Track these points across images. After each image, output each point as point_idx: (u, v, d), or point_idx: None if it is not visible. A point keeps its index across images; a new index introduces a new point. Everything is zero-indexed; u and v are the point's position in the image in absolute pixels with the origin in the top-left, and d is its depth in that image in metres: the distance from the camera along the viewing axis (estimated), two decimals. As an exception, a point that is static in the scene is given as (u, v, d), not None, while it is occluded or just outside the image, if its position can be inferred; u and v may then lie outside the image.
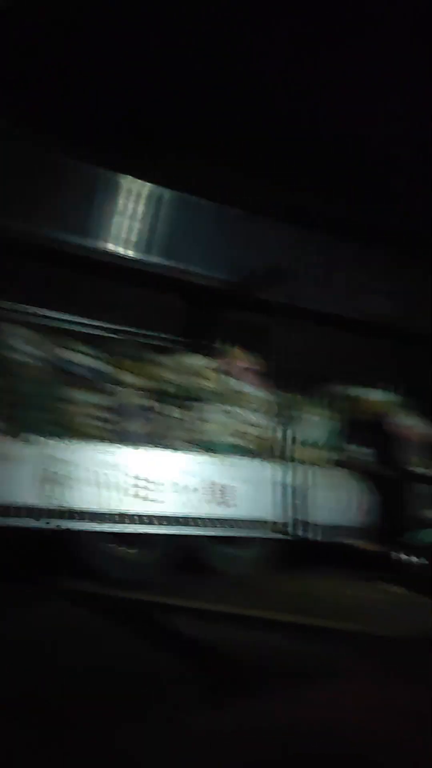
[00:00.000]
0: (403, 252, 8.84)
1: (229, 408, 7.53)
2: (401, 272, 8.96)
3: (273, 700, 2.94)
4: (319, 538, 7.08)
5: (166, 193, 8.17)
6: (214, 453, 6.94)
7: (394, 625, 4.62)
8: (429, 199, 7.51)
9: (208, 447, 7.18)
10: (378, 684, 3.05)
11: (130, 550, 6.58)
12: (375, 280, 8.87)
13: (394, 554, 6.98)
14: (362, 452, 8.29)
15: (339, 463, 7.81)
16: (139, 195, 8.08)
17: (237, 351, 8.20)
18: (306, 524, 7.02)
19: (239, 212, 8.59)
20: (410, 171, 7.03)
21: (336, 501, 7.22)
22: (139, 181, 8.02)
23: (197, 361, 7.78)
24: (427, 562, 6.14)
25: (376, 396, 8.68)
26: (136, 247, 8.25)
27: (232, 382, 7.84)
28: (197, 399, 7.44)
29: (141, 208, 8.09)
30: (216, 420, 7.41)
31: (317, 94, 6.59)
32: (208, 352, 8.30)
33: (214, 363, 7.92)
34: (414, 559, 6.40)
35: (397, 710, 2.81)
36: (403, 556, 6.54)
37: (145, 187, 8.03)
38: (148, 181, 8.02)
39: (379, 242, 8.60)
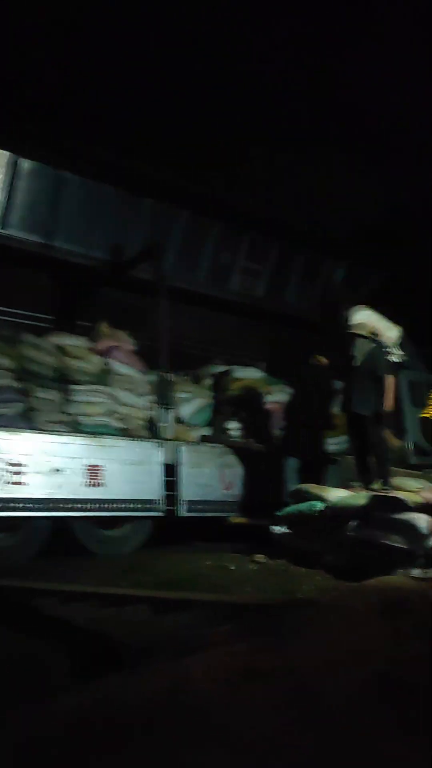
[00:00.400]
0: (269, 234, 9.10)
1: (101, 388, 7.47)
2: (269, 253, 9.21)
3: (144, 673, 2.99)
4: (191, 514, 7.23)
5: (34, 167, 7.89)
6: (86, 434, 6.87)
7: (263, 594, 4.84)
8: (289, 184, 7.74)
9: (79, 428, 7.10)
10: (247, 651, 3.18)
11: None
12: (245, 261, 9.06)
13: (264, 526, 7.26)
14: (233, 428, 8.52)
15: (210, 440, 7.98)
16: (3, 167, 7.74)
17: (110, 330, 8.13)
18: (178, 501, 7.13)
19: (111, 189, 8.46)
20: (270, 156, 7.21)
21: (208, 477, 7.38)
22: (5, 152, 7.69)
23: (69, 341, 7.64)
24: (291, 532, 6.42)
25: (246, 374, 8.93)
26: (4, 223, 7.92)
27: (105, 362, 7.78)
28: (70, 379, 7.32)
29: (4, 181, 7.76)
30: (88, 400, 7.33)
31: (182, 71, 6.58)
32: (80, 332, 8.17)
33: (86, 343, 7.82)
34: (281, 529, 6.67)
35: (265, 675, 2.95)
36: (274, 528, 6.81)
37: (3, 157, 7.70)
38: (17, 155, 7.70)
39: (248, 224, 8.78)
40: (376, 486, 6.51)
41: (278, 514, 6.70)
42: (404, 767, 2.22)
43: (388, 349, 7.76)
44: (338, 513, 6.10)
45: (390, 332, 7.80)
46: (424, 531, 5.27)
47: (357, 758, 2.30)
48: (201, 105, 6.73)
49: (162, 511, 6.99)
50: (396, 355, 7.87)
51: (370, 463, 6.90)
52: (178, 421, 8.05)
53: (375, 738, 2.43)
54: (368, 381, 6.83)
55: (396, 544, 5.42)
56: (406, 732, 2.47)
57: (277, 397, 9.11)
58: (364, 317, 7.69)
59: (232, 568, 5.68)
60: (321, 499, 6.39)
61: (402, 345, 8.08)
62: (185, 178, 7.76)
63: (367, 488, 6.54)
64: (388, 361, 7.06)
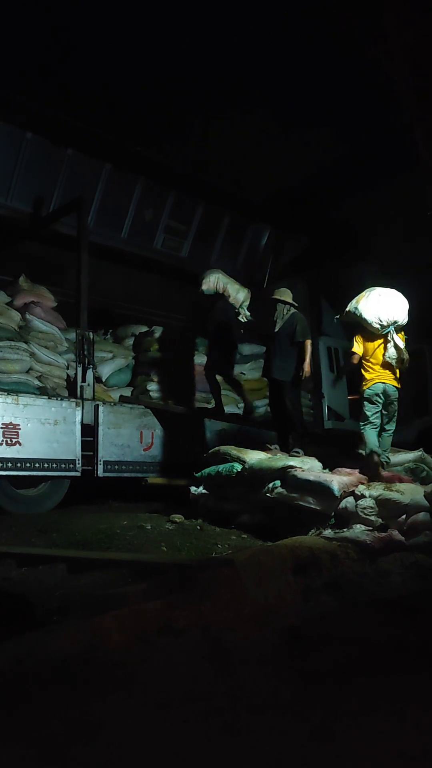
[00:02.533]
0: (194, 194, 9.00)
1: (19, 344, 7.25)
2: (194, 213, 9.12)
3: (59, 631, 2.98)
4: (109, 474, 7.20)
5: None
6: (2, 391, 6.67)
7: (179, 553, 4.91)
8: (216, 144, 7.66)
9: (-6, 385, 6.89)
10: (161, 608, 3.23)
11: None
12: (169, 220, 8.93)
13: (182, 487, 7.32)
14: (154, 389, 8.49)
15: (130, 400, 7.93)
16: None
17: (29, 285, 7.88)
18: (96, 461, 7.08)
19: (32, 137, 8.10)
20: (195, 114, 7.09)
21: (126, 438, 7.35)
22: None
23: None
24: (208, 493, 6.51)
25: (168, 334, 8.87)
26: None
27: (24, 318, 7.55)
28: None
29: None
30: (5, 357, 7.10)
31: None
32: (-3, 286, 7.87)
33: (4, 297, 7.55)
34: (199, 490, 6.74)
35: (179, 631, 3.01)
36: (192, 489, 6.87)
37: None
38: None
39: (173, 182, 8.64)
40: (291, 449, 6.67)
41: (196, 475, 6.76)
42: (308, 715, 2.32)
43: (237, 310, 7.99)
44: (256, 475, 6.22)
45: (238, 294, 7.98)
46: (337, 493, 5.44)
47: (264, 707, 2.39)
48: (129, 58, 6.49)
49: (79, 472, 6.92)
50: (243, 316, 8.08)
51: (287, 427, 7.06)
52: (98, 380, 7.94)
53: (280, 688, 2.53)
54: (287, 346, 6.94)
55: (309, 505, 5.58)
56: (308, 681, 2.59)
57: (198, 358, 9.13)
58: (213, 279, 7.84)
59: (148, 527, 5.71)
60: (239, 460, 6.48)
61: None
62: (109, 131, 7.52)
63: (284, 451, 6.68)
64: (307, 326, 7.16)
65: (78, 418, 6.97)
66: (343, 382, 8.92)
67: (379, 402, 6.15)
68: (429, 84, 4.23)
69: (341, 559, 4.41)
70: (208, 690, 2.51)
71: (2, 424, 6.40)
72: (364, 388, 6.21)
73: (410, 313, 6.16)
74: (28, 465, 6.54)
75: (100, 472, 7.08)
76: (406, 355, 6.12)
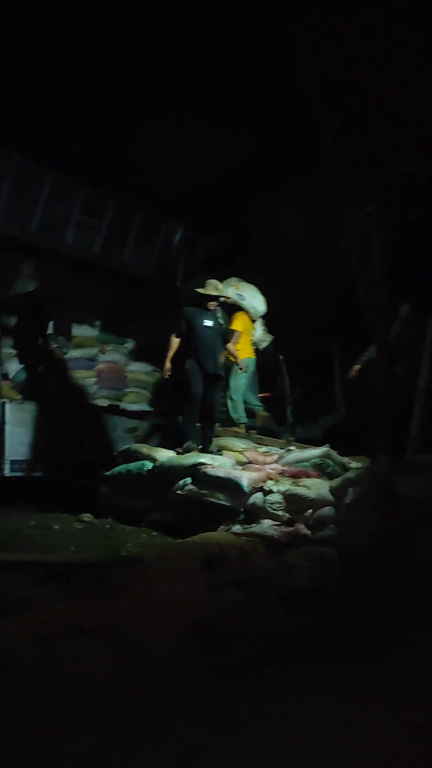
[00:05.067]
0: (107, 189, 8.88)
1: None
2: (106, 209, 9.00)
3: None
4: (16, 473, 7.01)
5: None
6: None
7: (88, 553, 4.85)
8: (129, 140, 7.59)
9: None
10: (70, 609, 3.18)
11: None
12: (80, 215, 8.78)
13: (92, 486, 7.23)
14: (64, 387, 8.34)
15: (38, 398, 7.75)
16: None
17: None
18: (3, 460, 6.88)
19: None
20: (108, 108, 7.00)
21: (35, 436, 7.18)
22: None
23: None
24: (119, 491, 6.47)
25: (80, 332, 8.74)
26: None
27: None
28: None
29: None
30: None
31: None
32: None
33: None
34: (108, 489, 6.69)
35: (88, 631, 2.98)
36: (102, 488, 6.80)
37: None
38: None
39: (85, 177, 8.50)
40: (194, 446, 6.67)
41: (107, 474, 6.70)
42: (214, 709, 2.35)
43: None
44: (167, 472, 6.23)
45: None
46: (246, 489, 5.54)
47: (172, 703, 2.40)
48: (42, 47, 6.34)
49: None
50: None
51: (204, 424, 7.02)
52: (5, 377, 7.71)
53: (188, 684, 2.56)
54: (220, 341, 6.96)
55: (220, 502, 5.65)
56: (215, 676, 2.62)
57: (111, 356, 9.04)
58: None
59: (57, 527, 5.62)
60: (150, 458, 6.48)
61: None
62: (18, 120, 7.29)
63: (194, 449, 6.68)
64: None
65: (-17, 417, 6.75)
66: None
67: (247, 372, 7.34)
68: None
69: (249, 554, 4.48)
70: (117, 689, 2.50)
71: None
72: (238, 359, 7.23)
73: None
74: None
75: (7, 472, 6.88)
76: (267, 337, 7.75)
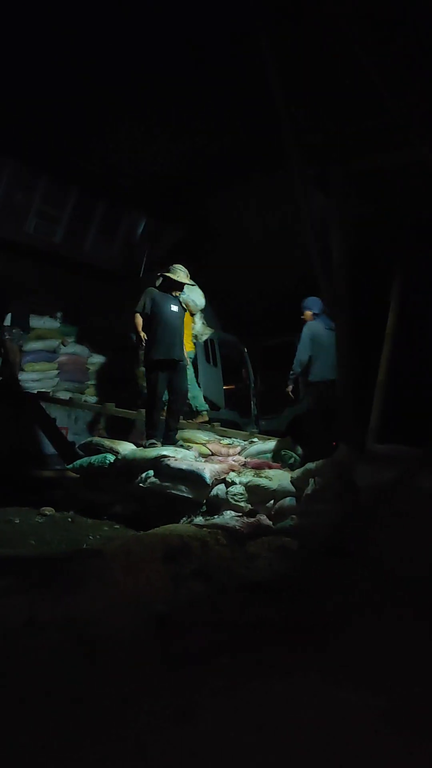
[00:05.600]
0: (68, 179, 8.77)
1: None
2: (67, 199, 8.88)
3: None
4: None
5: None
6: None
7: (48, 546, 4.81)
8: (90, 129, 7.49)
9: None
10: (26, 603, 3.15)
11: None
12: (41, 204, 8.64)
13: (54, 479, 7.17)
14: (26, 380, 8.26)
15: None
16: None
17: None
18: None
19: None
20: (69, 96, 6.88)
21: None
22: None
23: None
24: (81, 484, 6.43)
25: (41, 323, 8.66)
26: None
27: None
28: None
29: None
30: None
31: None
32: None
33: None
34: (72, 483, 6.64)
35: (44, 625, 2.95)
36: (63, 480, 6.75)
37: None
38: None
39: (45, 166, 8.37)
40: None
41: (68, 466, 6.64)
42: (172, 698, 2.35)
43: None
44: (129, 465, 6.20)
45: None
46: (208, 481, 5.55)
47: (130, 694, 2.40)
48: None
49: None
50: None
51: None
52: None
53: (146, 674, 2.55)
54: (182, 329, 6.89)
55: (182, 494, 5.65)
56: (174, 666, 2.63)
57: (72, 348, 8.97)
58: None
59: (17, 521, 5.55)
60: (113, 451, 6.44)
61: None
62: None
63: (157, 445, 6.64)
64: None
65: None
66: (218, 372, 9.06)
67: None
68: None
69: (211, 546, 4.49)
70: (73, 682, 2.48)
71: None
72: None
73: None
74: None
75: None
76: (207, 330, 8.07)
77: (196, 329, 7.86)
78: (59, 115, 7.24)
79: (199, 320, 7.95)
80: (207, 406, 7.83)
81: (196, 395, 7.66)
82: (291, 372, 6.66)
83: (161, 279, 6.91)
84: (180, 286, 6.91)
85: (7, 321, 8.02)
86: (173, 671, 2.64)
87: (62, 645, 2.78)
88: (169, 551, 4.14)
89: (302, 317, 6.68)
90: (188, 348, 7.52)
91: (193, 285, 7.27)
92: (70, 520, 5.76)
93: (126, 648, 2.86)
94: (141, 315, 6.63)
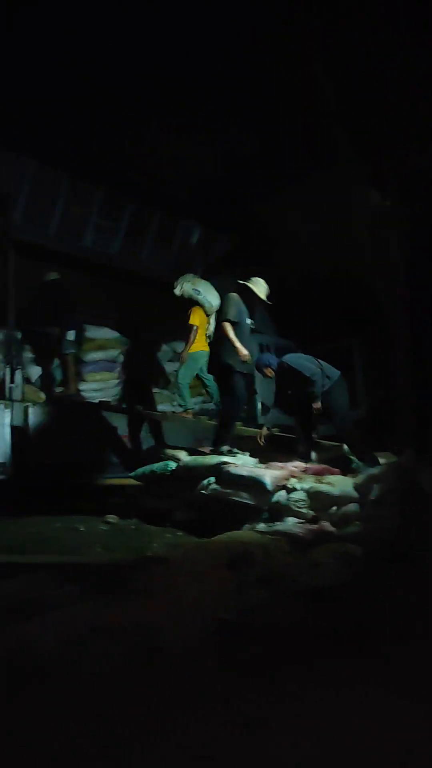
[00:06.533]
0: (123, 191, 8.91)
1: None
2: (123, 211, 9.03)
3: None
4: (41, 476, 7.06)
5: None
6: None
7: (113, 553, 4.87)
8: (142, 140, 7.60)
9: None
10: (93, 609, 3.20)
11: None
12: (98, 217, 8.81)
13: (118, 487, 7.26)
14: (85, 388, 8.40)
15: (58, 400, 7.82)
16: None
17: None
18: (27, 464, 6.94)
19: None
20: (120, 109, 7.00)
21: (57, 438, 7.23)
22: None
23: None
24: (144, 491, 6.49)
25: (99, 333, 8.79)
26: None
27: None
28: None
29: None
30: None
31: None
32: None
33: None
34: (134, 490, 6.72)
35: (110, 632, 2.99)
36: (127, 488, 6.83)
37: None
38: None
39: (101, 179, 8.54)
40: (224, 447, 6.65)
41: (131, 474, 6.72)
42: (241, 705, 2.34)
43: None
44: (190, 472, 6.24)
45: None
46: (269, 487, 5.52)
47: (198, 702, 2.40)
48: (52, 53, 6.37)
49: (10, 475, 6.76)
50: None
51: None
52: (27, 381, 7.78)
53: (212, 681, 2.55)
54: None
55: (243, 500, 5.64)
56: (240, 673, 2.62)
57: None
58: (180, 285, 8.00)
59: (82, 529, 5.64)
60: (174, 458, 6.49)
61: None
62: (35, 127, 7.36)
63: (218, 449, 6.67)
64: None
65: (7, 420, 6.81)
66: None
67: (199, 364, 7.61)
68: None
69: (274, 553, 4.46)
70: (139, 688, 2.50)
71: None
72: (191, 351, 7.59)
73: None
74: None
75: (31, 474, 6.93)
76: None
77: (211, 330, 7.94)
78: (112, 127, 7.39)
79: (213, 321, 7.97)
80: (192, 403, 7.98)
81: (183, 392, 7.76)
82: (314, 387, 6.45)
83: (240, 286, 6.86)
84: (257, 299, 6.84)
85: (71, 336, 8.20)
86: (239, 678, 2.63)
87: (128, 651, 2.80)
88: (233, 558, 4.14)
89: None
90: (202, 348, 7.69)
91: (269, 303, 7.17)
92: (133, 527, 5.82)
93: (191, 655, 2.86)
94: (231, 324, 6.57)
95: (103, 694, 2.43)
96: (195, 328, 7.66)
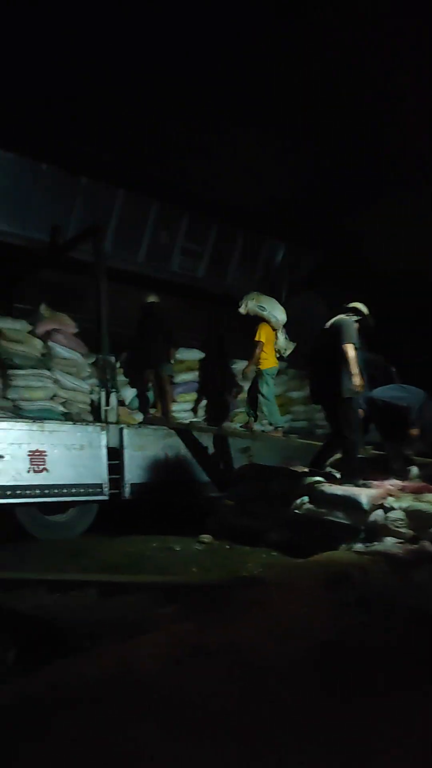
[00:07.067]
0: (208, 214, 9.06)
1: (43, 372, 7.33)
2: (208, 233, 9.18)
3: (91, 657, 2.99)
4: (136, 497, 7.21)
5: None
6: (28, 418, 6.74)
7: (209, 573, 4.89)
8: (226, 163, 7.72)
9: (21, 413, 6.98)
10: (193, 630, 3.22)
11: None
12: (185, 241, 9.00)
13: (210, 506, 7.31)
14: (177, 409, 8.52)
15: (153, 422, 7.96)
16: None
17: (50, 313, 7.98)
18: (123, 484, 7.10)
19: (47, 168, 8.27)
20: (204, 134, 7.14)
21: (152, 460, 7.37)
22: None
23: (8, 324, 7.45)
24: (237, 511, 6.49)
25: (189, 355, 8.92)
26: None
27: (46, 345, 7.63)
28: (10, 364, 7.16)
29: None
30: (29, 384, 7.19)
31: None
32: (19, 315, 7.99)
33: (26, 326, 7.65)
34: (227, 509, 6.73)
35: (211, 652, 3.00)
36: (220, 508, 6.86)
37: None
38: None
39: (187, 204, 8.72)
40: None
41: (223, 494, 6.75)
42: (344, 732, 2.29)
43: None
44: (284, 491, 6.20)
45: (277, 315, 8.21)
46: (366, 506, 5.40)
47: (299, 727, 2.36)
48: (134, 84, 6.61)
49: (107, 495, 6.95)
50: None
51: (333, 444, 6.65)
52: (121, 404, 7.99)
53: (314, 703, 2.50)
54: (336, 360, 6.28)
55: (339, 520, 5.55)
56: (342, 699, 2.55)
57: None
58: (244, 303, 8.08)
59: (177, 549, 5.71)
60: (267, 477, 6.47)
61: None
62: (121, 157, 7.65)
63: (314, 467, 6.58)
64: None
65: (103, 442, 7.01)
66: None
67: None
68: None
69: (373, 573, 4.36)
70: (243, 712, 2.49)
71: (29, 451, 6.45)
72: (264, 367, 7.79)
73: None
74: (55, 491, 6.58)
75: (127, 495, 7.10)
76: (290, 345, 8.09)
77: (279, 344, 8.10)
78: (196, 152, 7.56)
79: (281, 336, 8.14)
80: (283, 421, 8.23)
81: (272, 411, 7.92)
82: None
83: (352, 314, 6.51)
84: (367, 324, 6.55)
85: (167, 357, 8.40)
86: (341, 701, 2.57)
87: (229, 672, 2.80)
88: (330, 579, 4.07)
89: None
90: (272, 364, 7.89)
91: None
92: (227, 547, 5.83)
93: (292, 676, 2.83)
94: (356, 348, 6.18)
95: (204, 716, 2.43)
96: (261, 344, 7.84)
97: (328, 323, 6.43)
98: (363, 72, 5.99)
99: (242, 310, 8.01)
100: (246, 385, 8.38)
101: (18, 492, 6.34)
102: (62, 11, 5.90)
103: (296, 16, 5.64)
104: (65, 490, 6.64)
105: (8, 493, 6.27)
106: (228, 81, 6.53)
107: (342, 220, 9.00)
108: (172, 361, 8.49)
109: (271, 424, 7.96)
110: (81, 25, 6.12)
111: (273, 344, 8.02)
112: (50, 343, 7.63)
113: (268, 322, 7.96)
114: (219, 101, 6.74)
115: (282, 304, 9.11)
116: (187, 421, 8.35)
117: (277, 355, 8.10)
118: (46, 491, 6.52)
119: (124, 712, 2.47)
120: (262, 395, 7.89)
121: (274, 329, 8.08)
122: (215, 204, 8.76)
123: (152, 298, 8.53)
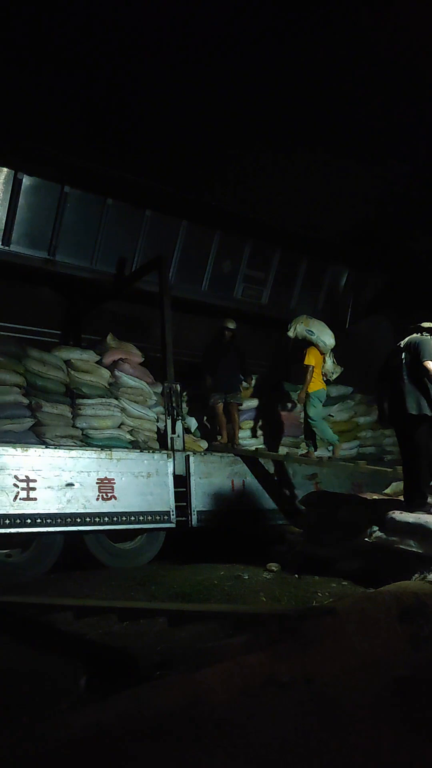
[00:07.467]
0: (270, 241, 9.10)
1: (110, 401, 7.47)
2: (271, 260, 9.21)
3: (161, 686, 2.97)
4: (203, 524, 7.20)
5: (35, 182, 7.97)
6: (96, 447, 6.87)
7: (278, 602, 4.82)
8: (288, 190, 7.76)
9: (89, 441, 7.11)
10: (264, 660, 3.16)
11: (11, 552, 6.42)
12: (247, 269, 9.07)
13: (278, 534, 7.22)
14: (243, 436, 8.50)
15: (219, 449, 7.96)
16: (4, 184, 7.82)
17: (116, 343, 8.16)
18: (190, 512, 7.11)
19: (112, 202, 8.52)
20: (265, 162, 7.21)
21: (218, 487, 7.36)
22: (6, 169, 7.78)
23: (77, 355, 7.66)
24: (305, 539, 6.38)
25: (252, 382, 8.91)
26: (7, 239, 8.00)
27: (113, 375, 7.79)
28: (78, 393, 7.33)
29: (6, 198, 7.84)
30: (97, 413, 7.34)
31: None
32: (87, 345, 8.20)
33: (93, 356, 7.84)
34: (295, 537, 6.64)
35: (283, 684, 2.94)
36: (287, 536, 6.77)
37: (4, 174, 7.80)
38: (18, 171, 7.80)
39: (249, 232, 8.80)
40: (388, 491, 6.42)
41: (292, 522, 6.66)
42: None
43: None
44: (353, 519, 6.07)
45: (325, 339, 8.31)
46: (439, 534, 5.22)
47: (377, 764, 2.28)
48: (195, 114, 6.76)
49: (174, 523, 6.97)
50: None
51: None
52: (187, 431, 8.04)
53: (390, 739, 2.41)
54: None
55: (411, 549, 5.37)
56: (421, 735, 2.45)
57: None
58: (293, 327, 8.32)
59: (246, 577, 5.64)
60: (335, 504, 6.36)
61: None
62: (183, 188, 7.81)
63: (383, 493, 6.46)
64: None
65: (170, 470, 7.06)
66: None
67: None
68: None
69: (450, 605, 4.18)
70: (316, 746, 2.42)
71: (97, 479, 6.56)
72: (312, 390, 7.95)
73: None
74: (123, 518, 6.65)
75: (194, 523, 7.10)
76: (337, 369, 8.32)
77: (327, 368, 8.22)
78: (256, 179, 7.64)
79: (329, 359, 8.28)
80: (336, 438, 8.27)
81: (323, 430, 8.06)
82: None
83: (426, 333, 6.32)
84: None
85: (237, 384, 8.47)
86: (421, 742, 2.47)
87: (303, 706, 2.73)
88: (405, 610, 3.92)
89: None
90: (320, 386, 8.01)
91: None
92: (296, 576, 5.73)
93: (367, 710, 2.73)
94: None
95: (278, 749, 2.38)
96: (311, 368, 7.93)
97: (402, 342, 6.16)
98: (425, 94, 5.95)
99: (291, 333, 8.16)
100: (301, 414, 8.32)
101: (87, 519, 6.44)
102: (128, 48, 6.11)
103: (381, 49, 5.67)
104: (133, 518, 6.70)
105: (78, 520, 6.37)
106: (284, 102, 6.59)
107: (408, 242, 8.89)
108: (243, 388, 8.51)
109: (330, 444, 8.07)
110: (146, 61, 6.32)
111: (321, 368, 8.15)
112: (117, 373, 7.78)
113: (316, 345, 8.08)
114: (274, 123, 6.81)
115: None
116: (252, 448, 8.32)
117: (324, 379, 8.20)
118: (115, 519, 6.59)
119: (195, 745, 2.43)
120: (310, 418, 8.03)
121: (322, 353, 8.19)
122: (277, 230, 8.80)
123: (230, 324, 8.50)
